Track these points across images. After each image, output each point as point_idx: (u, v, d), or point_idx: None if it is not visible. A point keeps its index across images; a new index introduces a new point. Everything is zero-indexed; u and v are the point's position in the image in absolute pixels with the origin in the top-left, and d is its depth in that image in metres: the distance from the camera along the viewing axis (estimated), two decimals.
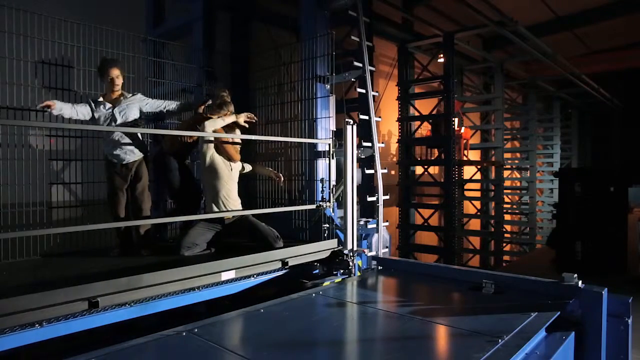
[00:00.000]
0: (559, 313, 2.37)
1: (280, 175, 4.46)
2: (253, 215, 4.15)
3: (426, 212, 9.95)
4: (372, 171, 5.37)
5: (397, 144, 9.88)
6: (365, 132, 5.38)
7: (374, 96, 5.47)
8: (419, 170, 10.24)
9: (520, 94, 15.68)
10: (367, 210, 5.49)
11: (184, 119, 5.08)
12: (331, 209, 4.32)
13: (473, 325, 2.23)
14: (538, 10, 10.77)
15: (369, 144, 5.32)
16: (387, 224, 5.28)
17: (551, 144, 16.07)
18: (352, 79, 5.43)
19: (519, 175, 15.78)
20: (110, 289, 2.74)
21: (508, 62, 12.10)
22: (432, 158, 10.53)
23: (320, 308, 2.71)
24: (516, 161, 15.88)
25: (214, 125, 3.98)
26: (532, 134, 14.53)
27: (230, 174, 4.15)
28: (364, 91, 5.34)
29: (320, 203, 4.26)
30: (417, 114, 9.79)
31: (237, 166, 4.30)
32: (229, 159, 4.16)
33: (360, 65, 5.23)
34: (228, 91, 4.40)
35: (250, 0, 7.00)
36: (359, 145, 5.14)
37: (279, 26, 7.29)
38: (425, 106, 9.79)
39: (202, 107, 4.49)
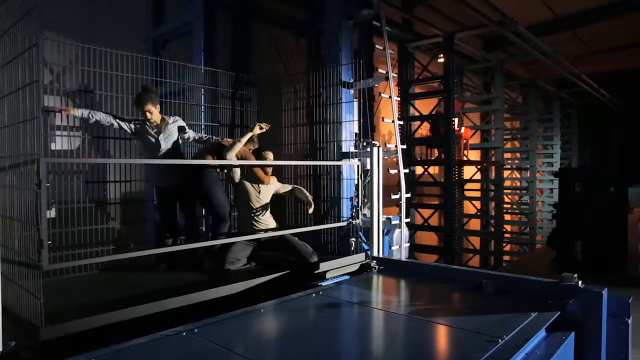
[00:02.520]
0: (559, 313, 2.37)
1: (311, 202, 4.46)
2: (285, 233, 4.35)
3: (426, 212, 9.94)
4: (394, 171, 5.69)
5: None
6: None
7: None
8: (419, 170, 10.23)
9: (520, 94, 15.66)
10: None
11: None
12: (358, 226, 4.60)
13: (473, 325, 2.23)
14: (538, 10, 10.75)
15: (392, 145, 5.70)
16: (408, 220, 5.47)
17: (551, 144, 16.03)
18: (375, 85, 5.61)
19: (519, 175, 15.77)
20: (179, 304, 2.99)
21: (508, 62, 12.08)
22: (432, 158, 10.51)
23: (320, 308, 2.71)
24: (516, 161, 15.86)
25: (234, 151, 4.09)
26: (532, 134, 14.51)
27: (258, 196, 4.30)
28: (387, 96, 5.75)
29: (350, 220, 4.57)
30: (417, 114, 9.78)
31: (269, 188, 4.41)
32: (259, 181, 4.30)
33: (384, 72, 5.58)
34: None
35: (253, 1, 6.99)
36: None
37: (282, 27, 7.28)
38: (425, 106, 9.78)
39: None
